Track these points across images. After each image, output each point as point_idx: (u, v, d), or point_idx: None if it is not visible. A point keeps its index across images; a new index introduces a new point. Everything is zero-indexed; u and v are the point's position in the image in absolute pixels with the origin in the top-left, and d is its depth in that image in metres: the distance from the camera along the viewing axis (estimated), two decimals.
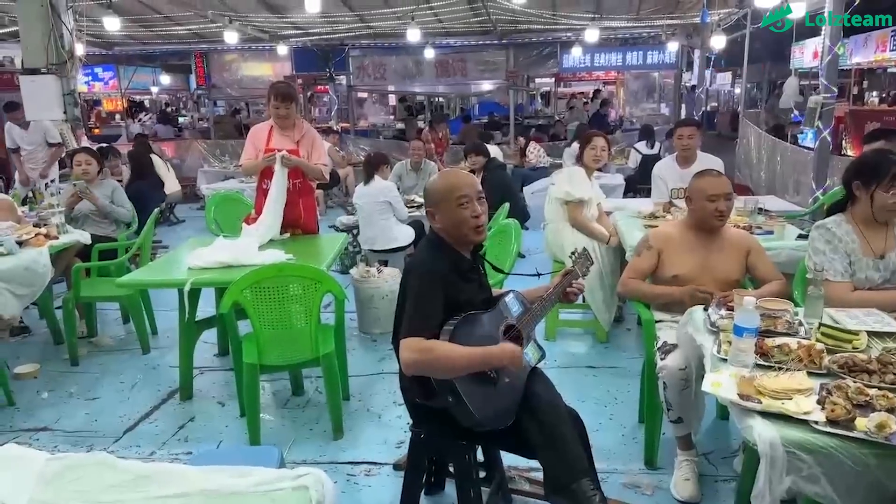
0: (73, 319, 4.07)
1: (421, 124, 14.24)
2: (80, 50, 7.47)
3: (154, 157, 7.96)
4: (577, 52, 11.54)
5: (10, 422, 3.37)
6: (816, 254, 2.55)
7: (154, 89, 18.11)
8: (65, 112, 7.16)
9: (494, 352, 1.96)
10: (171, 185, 8.14)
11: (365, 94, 15.25)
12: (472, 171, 5.80)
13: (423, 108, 18.38)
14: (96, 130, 13.92)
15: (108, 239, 4.63)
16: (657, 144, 8.21)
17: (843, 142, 8.94)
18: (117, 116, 17.01)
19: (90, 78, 14.95)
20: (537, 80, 16.06)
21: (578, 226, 4.10)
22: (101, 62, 14.51)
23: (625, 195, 7.25)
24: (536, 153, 9.15)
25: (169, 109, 20.19)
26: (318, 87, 14.82)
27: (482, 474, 2.40)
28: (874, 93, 14.65)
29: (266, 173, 3.90)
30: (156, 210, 5.16)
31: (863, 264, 2.51)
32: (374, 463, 2.90)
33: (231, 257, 3.32)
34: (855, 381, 1.80)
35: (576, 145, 4.55)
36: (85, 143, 7.75)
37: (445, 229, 2.08)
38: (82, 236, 4.32)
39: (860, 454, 1.55)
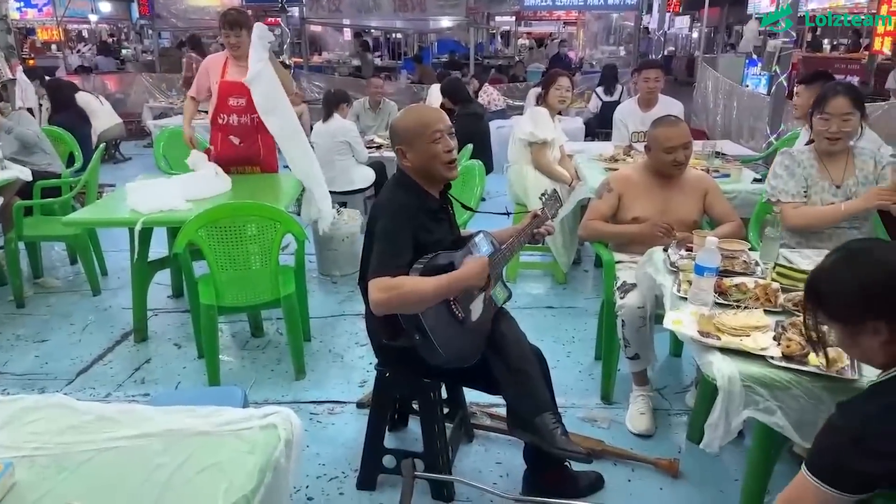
0: (17, 260, 3.89)
1: (378, 62, 13.79)
2: None
3: (82, 94, 7.15)
4: None
5: None
6: (774, 178, 2.74)
7: (93, 18, 17.02)
8: None
9: (462, 273, 1.91)
10: (106, 121, 7.45)
11: (319, 28, 14.63)
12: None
13: (380, 45, 17.82)
14: (31, 61, 13.03)
15: (48, 174, 4.38)
16: (619, 88, 8.09)
17: (795, 88, 9.07)
18: (53, 47, 15.97)
19: (22, 4, 13.93)
20: (497, 19, 15.69)
21: (542, 168, 4.08)
22: None
23: (584, 139, 7.24)
24: (488, 96, 8.98)
25: (111, 40, 19.05)
26: (269, 18, 14.13)
27: (445, 411, 2.44)
28: (825, 39, 14.86)
29: (221, 107, 3.76)
30: (101, 146, 4.90)
31: (819, 188, 2.67)
32: (338, 402, 2.91)
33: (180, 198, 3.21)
34: None
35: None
36: (20, 74, 7.27)
37: (416, 167, 2.01)
38: (22, 172, 4.07)
39: (813, 387, 1.62)
